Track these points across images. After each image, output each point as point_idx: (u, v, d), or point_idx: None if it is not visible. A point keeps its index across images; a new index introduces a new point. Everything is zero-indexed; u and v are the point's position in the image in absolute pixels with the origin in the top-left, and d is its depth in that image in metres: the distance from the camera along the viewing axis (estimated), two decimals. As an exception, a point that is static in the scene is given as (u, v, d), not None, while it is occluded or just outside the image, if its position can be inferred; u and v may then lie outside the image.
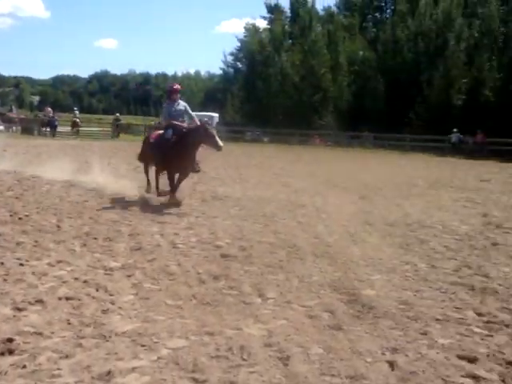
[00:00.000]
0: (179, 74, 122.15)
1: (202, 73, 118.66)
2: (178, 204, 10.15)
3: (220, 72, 68.42)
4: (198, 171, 10.94)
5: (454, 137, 36.67)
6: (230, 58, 62.51)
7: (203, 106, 55.46)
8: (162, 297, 5.06)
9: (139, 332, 4.16)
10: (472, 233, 8.83)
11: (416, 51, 45.05)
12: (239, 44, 60.08)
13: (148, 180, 11.19)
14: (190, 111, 10.84)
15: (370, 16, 57.42)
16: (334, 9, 58.00)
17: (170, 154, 10.21)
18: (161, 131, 11.12)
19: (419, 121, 40.95)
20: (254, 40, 54.49)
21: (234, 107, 56.99)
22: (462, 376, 3.70)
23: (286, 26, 55.20)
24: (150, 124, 50.62)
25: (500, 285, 5.85)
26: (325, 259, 6.70)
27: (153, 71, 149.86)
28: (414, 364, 3.83)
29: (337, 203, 11.51)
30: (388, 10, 57.03)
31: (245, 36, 58.49)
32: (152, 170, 11.16)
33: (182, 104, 10.73)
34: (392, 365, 3.79)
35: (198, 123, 10.55)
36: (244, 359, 3.80)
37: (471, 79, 40.68)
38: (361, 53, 49.90)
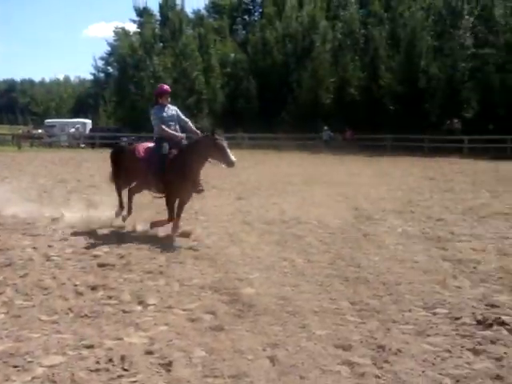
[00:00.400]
0: (47, 79, 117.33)
1: (72, 78, 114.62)
2: (188, 234, 8.26)
3: (91, 77, 66.60)
4: (201, 191, 8.65)
5: (325, 134, 38.12)
6: (100, 63, 61.12)
7: (75, 113, 53.64)
8: (36, 313, 4.85)
9: (11, 352, 3.97)
10: (345, 226, 9.25)
11: (285, 52, 46.42)
12: (109, 48, 58.90)
13: (121, 203, 9.23)
14: (183, 116, 8.98)
15: (239, 19, 58.55)
16: (204, 12, 58.54)
17: (170, 174, 8.26)
18: (150, 144, 8.93)
19: (291, 120, 42.15)
20: (124, 44, 53.54)
21: (106, 112, 55.68)
22: (339, 364, 3.87)
23: (157, 30, 54.73)
24: (18, 133, 48.34)
25: (370, 273, 6.18)
26: (205, 261, 6.73)
27: (18, 77, 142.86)
28: (294, 357, 3.95)
29: (215, 204, 11.60)
30: (256, 13, 58.48)
31: (115, 40, 57.42)
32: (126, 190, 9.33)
33: (172, 108, 8.92)
34: (273, 360, 3.90)
35: (197, 131, 8.82)
36: (125, 369, 3.74)
37: (338, 79, 42.50)
38: (232, 55, 50.62)
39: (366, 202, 12.30)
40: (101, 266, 6.49)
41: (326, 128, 38.02)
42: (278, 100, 43.12)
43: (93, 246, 7.60)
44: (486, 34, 37.55)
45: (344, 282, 5.87)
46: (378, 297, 5.36)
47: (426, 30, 38.93)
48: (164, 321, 4.69)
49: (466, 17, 38.38)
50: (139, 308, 5.05)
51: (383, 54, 40.23)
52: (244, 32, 56.07)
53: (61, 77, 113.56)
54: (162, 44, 53.28)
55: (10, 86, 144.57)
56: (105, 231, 8.65)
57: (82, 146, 44.46)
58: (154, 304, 5.14)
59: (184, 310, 4.98)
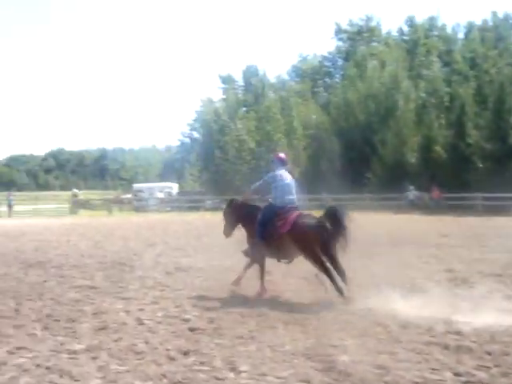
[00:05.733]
0: (136, 147, 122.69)
1: (159, 145, 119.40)
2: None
3: (177, 144, 69.11)
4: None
5: (411, 194, 37.36)
6: (186, 129, 63.37)
7: (162, 177, 55.45)
8: (130, 378, 4.85)
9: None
10: (439, 289, 8.82)
11: (368, 112, 46.34)
12: (195, 115, 61.13)
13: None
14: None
15: (321, 81, 59.41)
16: (286, 76, 59.99)
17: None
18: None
19: (376, 179, 41.68)
20: (209, 110, 55.37)
21: (192, 176, 57.25)
22: None
23: (240, 95, 56.45)
24: (109, 198, 50.26)
25: (473, 342, 5.80)
26: (296, 326, 6.57)
27: (109, 146, 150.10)
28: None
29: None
30: (337, 75, 59.22)
31: (201, 107, 59.54)
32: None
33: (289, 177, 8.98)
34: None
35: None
36: None
37: (423, 137, 41.87)
38: (314, 116, 51.10)
39: (460, 263, 11.76)
40: (192, 330, 6.47)
41: (411, 187, 37.28)
42: (362, 160, 42.83)
43: (183, 309, 7.62)
44: None
45: (444, 351, 5.54)
46: (484, 368, 4.99)
47: (515, 85, 37.95)
48: (258, 389, 4.56)
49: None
50: (231, 375, 4.94)
51: (470, 112, 39.34)
52: (325, 94, 56.73)
53: (149, 144, 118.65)
54: (245, 108, 54.74)
55: (102, 154, 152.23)
56: (192, 295, 8.67)
57: (168, 209, 45.60)
58: (247, 371, 5.02)
59: (278, 377, 4.83)
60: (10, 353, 5.58)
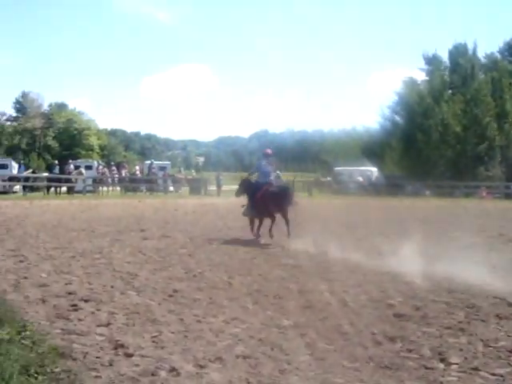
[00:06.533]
0: (335, 130, 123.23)
1: (358, 127, 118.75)
2: None
3: (377, 126, 68.00)
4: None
5: None
6: (387, 112, 62.12)
7: (361, 161, 55.13)
8: (338, 358, 4.90)
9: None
10: None
11: None
12: (396, 97, 59.58)
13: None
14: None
15: (540, 60, 54.50)
16: (497, 55, 55.85)
17: None
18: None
19: None
20: (412, 92, 53.74)
21: (392, 160, 56.12)
22: None
23: (445, 77, 53.91)
24: (309, 180, 51.10)
25: None
26: (511, 321, 6.14)
27: (309, 128, 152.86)
28: None
29: None
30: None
31: (402, 89, 57.95)
32: None
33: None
34: None
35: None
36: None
37: None
38: (529, 99, 47.17)
39: None
40: (397, 316, 6.36)
41: None
42: None
43: (387, 294, 7.53)
44: None
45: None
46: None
47: None
48: (470, 383, 4.35)
49: None
50: (441, 366, 4.76)
51: None
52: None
53: (348, 126, 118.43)
54: (451, 91, 52.24)
55: (303, 137, 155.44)
56: (396, 280, 8.54)
57: (367, 193, 45.23)
58: (458, 363, 4.81)
59: (493, 374, 4.55)
60: (226, 322, 5.96)
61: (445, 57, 55.93)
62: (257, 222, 13.83)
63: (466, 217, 22.46)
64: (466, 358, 4.93)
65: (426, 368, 4.69)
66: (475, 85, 48.37)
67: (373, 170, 49.47)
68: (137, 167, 47.25)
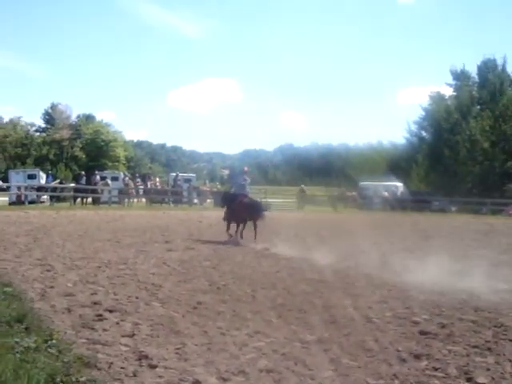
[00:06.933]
0: (360, 144, 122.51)
1: (385, 142, 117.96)
2: None
3: (403, 141, 67.59)
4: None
5: None
6: (413, 127, 61.75)
7: (387, 176, 54.78)
8: (362, 374, 4.86)
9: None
10: None
11: None
12: (423, 113, 59.19)
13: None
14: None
15: None
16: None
17: None
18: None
19: None
20: (439, 107, 53.38)
21: (418, 176, 55.69)
22: None
23: (474, 92, 53.47)
24: (333, 194, 50.81)
25: None
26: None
27: (334, 142, 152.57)
28: None
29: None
30: None
31: (429, 104, 57.60)
32: None
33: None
34: None
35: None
36: None
37: None
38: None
39: None
40: (422, 333, 6.29)
41: None
42: None
43: (412, 311, 7.46)
44: None
45: None
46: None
47: None
48: (497, 404, 4.28)
49: None
50: (468, 385, 4.70)
51: None
52: None
53: (374, 141, 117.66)
54: (479, 106, 51.78)
55: (328, 151, 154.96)
56: (421, 297, 8.45)
57: (391, 208, 44.79)
58: (485, 383, 4.73)
59: (521, 396, 4.48)
60: (250, 336, 5.95)
61: (473, 72, 55.59)
62: (233, 225, 16.51)
63: (492, 234, 22.17)
64: (493, 379, 4.85)
65: (452, 387, 4.62)
66: (504, 100, 47.88)
67: (398, 186, 49.10)
68: (157, 179, 47.76)
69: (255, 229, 15.98)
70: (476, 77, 55.05)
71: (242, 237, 15.93)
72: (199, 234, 17.85)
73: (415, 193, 48.34)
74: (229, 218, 16.62)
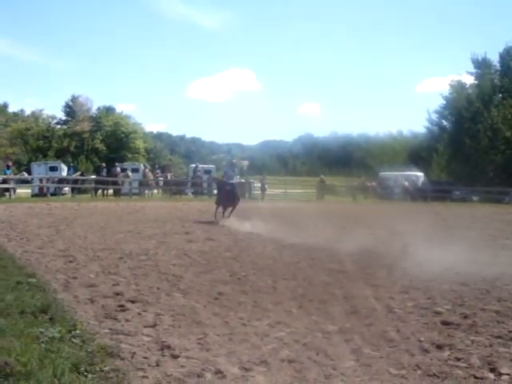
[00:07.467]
0: (381, 134, 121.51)
1: (405, 132, 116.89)
2: None
3: (423, 130, 67.02)
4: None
5: None
6: (434, 116, 61.17)
7: (407, 166, 54.35)
8: (384, 364, 4.84)
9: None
10: None
11: None
12: (444, 101, 58.58)
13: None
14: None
15: None
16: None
17: None
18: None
19: None
20: (460, 96, 52.77)
21: (439, 166, 55.22)
22: None
23: (496, 80, 52.73)
24: (353, 185, 50.57)
25: None
26: None
27: (354, 133, 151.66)
28: None
29: None
30: None
31: (450, 93, 56.97)
32: None
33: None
34: None
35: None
36: None
37: None
38: None
39: None
40: (444, 324, 6.24)
41: None
42: None
43: (434, 301, 7.41)
44: None
45: None
46: None
47: None
48: (522, 395, 4.24)
49: None
50: (492, 376, 4.64)
51: None
52: None
53: (394, 131, 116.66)
54: (501, 95, 51.08)
55: (347, 141, 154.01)
56: (443, 287, 8.40)
57: (411, 198, 44.49)
58: (509, 374, 4.68)
59: (547, 387, 4.43)
60: (271, 326, 5.96)
61: (495, 60, 54.83)
62: (220, 208, 19.34)
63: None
64: (517, 370, 4.80)
65: (476, 378, 4.59)
66: (527, 89, 47.32)
67: (419, 175, 48.72)
68: (169, 174, 47.76)
69: (231, 211, 19.09)
70: (498, 65, 54.31)
71: (225, 216, 18.98)
72: (219, 225, 17.84)
73: (436, 182, 47.99)
74: (218, 202, 19.71)
